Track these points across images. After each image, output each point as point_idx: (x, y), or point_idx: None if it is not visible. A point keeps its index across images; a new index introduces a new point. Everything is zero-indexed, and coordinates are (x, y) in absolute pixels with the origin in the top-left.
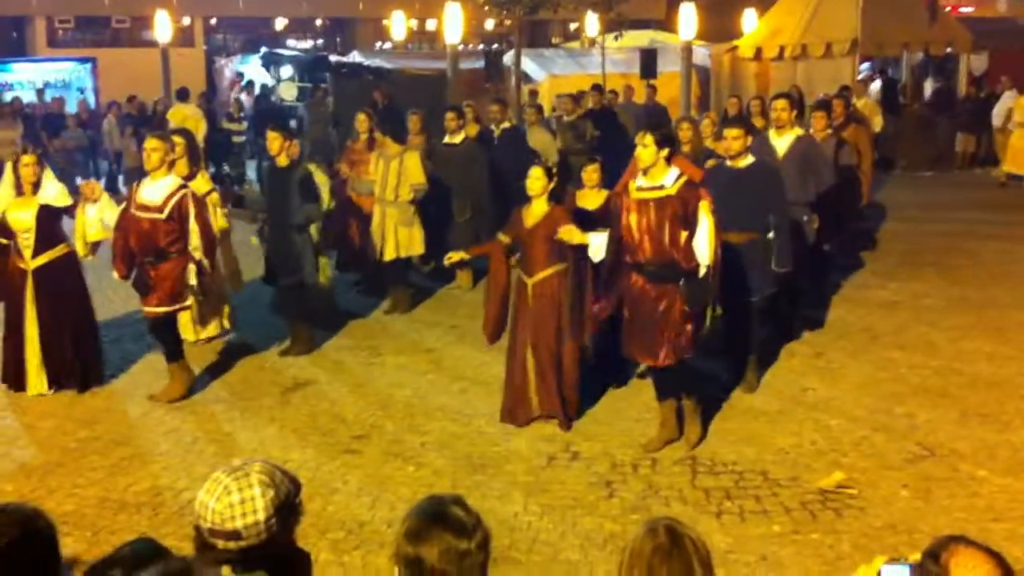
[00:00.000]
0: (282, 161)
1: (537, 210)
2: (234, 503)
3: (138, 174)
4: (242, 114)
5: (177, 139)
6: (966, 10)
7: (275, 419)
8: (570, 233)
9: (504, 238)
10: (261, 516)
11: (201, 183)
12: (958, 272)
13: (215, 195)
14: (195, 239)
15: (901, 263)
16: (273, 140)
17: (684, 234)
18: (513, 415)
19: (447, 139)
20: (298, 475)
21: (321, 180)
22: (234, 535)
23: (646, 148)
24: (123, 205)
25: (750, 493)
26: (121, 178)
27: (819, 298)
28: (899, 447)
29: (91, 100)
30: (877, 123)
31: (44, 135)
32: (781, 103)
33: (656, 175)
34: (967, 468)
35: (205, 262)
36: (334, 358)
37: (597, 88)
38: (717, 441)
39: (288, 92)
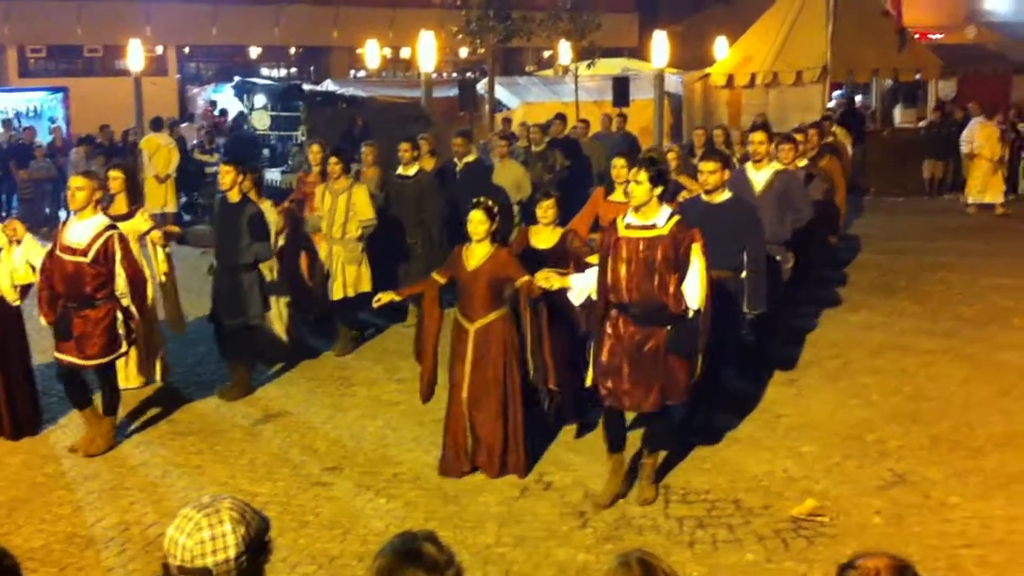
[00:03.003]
0: (233, 196)
1: (480, 251)
2: (205, 540)
3: (108, 202)
4: (214, 144)
5: (115, 174)
6: (935, 36)
7: (245, 451)
8: (548, 279)
9: (440, 278)
10: (232, 553)
11: (140, 222)
12: (929, 298)
13: (156, 234)
14: (121, 284)
15: (873, 289)
16: (225, 174)
17: (674, 277)
18: (453, 469)
19: (400, 170)
20: (268, 508)
21: (272, 219)
22: (204, 572)
23: (639, 185)
24: (49, 247)
25: (723, 522)
26: None
27: (791, 326)
28: (871, 473)
29: (64, 129)
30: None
31: (13, 165)
32: (759, 136)
33: (648, 213)
34: (938, 494)
35: (133, 308)
36: (305, 389)
37: (561, 117)
38: (690, 469)
39: (261, 121)
